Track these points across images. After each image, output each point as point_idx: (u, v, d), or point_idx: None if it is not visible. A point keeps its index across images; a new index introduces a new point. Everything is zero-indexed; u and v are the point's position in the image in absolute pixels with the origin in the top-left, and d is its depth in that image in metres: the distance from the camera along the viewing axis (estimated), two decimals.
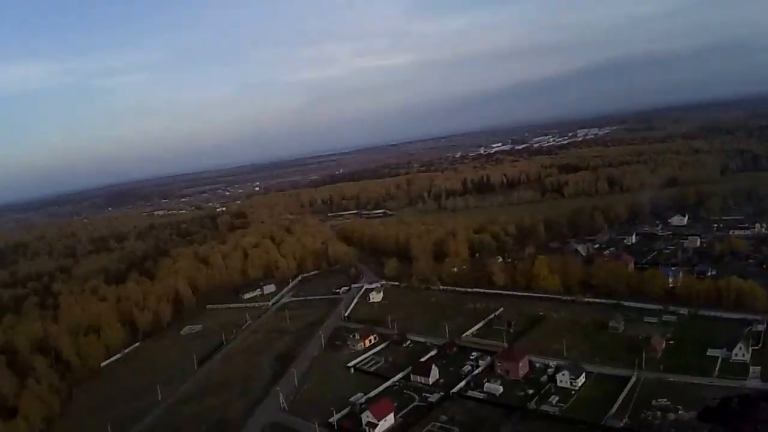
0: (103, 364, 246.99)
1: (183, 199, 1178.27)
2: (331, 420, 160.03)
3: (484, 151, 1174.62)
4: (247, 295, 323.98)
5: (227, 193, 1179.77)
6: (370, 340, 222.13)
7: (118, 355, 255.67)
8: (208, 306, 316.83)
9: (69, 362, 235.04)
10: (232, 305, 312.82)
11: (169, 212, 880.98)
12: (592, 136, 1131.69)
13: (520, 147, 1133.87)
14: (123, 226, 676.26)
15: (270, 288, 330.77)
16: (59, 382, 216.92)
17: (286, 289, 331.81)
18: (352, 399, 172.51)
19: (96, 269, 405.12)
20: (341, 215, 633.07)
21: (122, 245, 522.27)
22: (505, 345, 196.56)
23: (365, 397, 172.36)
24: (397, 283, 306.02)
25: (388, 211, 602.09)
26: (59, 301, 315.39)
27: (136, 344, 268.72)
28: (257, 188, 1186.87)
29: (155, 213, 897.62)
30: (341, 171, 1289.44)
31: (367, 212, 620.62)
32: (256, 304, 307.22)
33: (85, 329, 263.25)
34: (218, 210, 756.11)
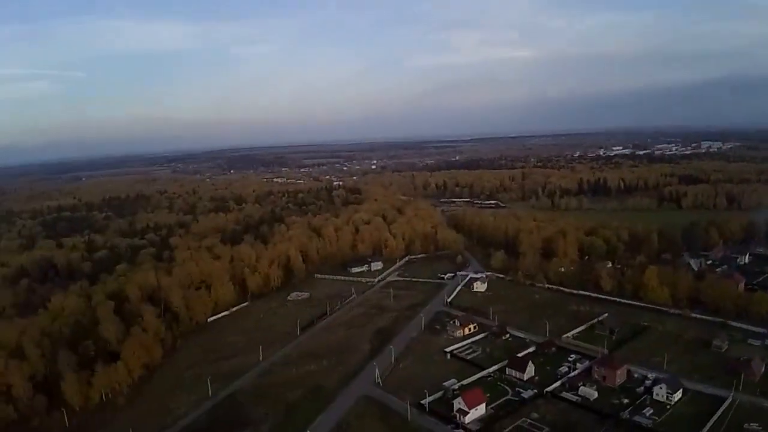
0: (210, 319, 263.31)
1: (302, 170, 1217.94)
2: (423, 401, 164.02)
3: (604, 153, 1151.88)
4: (354, 270, 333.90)
5: (345, 168, 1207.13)
6: (469, 329, 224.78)
7: (226, 312, 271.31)
8: (317, 275, 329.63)
9: (177, 314, 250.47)
10: (339, 277, 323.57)
11: (288, 181, 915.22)
12: (716, 150, 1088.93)
13: (640, 152, 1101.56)
14: (242, 190, 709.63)
15: (377, 265, 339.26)
16: (165, 332, 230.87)
17: (392, 268, 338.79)
18: (445, 384, 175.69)
19: (213, 228, 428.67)
20: (453, 202, 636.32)
21: (240, 207, 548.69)
22: (606, 351, 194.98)
23: (459, 384, 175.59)
24: (502, 275, 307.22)
25: (500, 203, 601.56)
26: (174, 255, 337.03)
27: (245, 304, 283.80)
28: (374, 166, 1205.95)
29: (274, 180, 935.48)
30: (458, 158, 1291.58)
31: (480, 202, 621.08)
32: (363, 279, 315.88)
33: (197, 284, 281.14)
34: (335, 184, 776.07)
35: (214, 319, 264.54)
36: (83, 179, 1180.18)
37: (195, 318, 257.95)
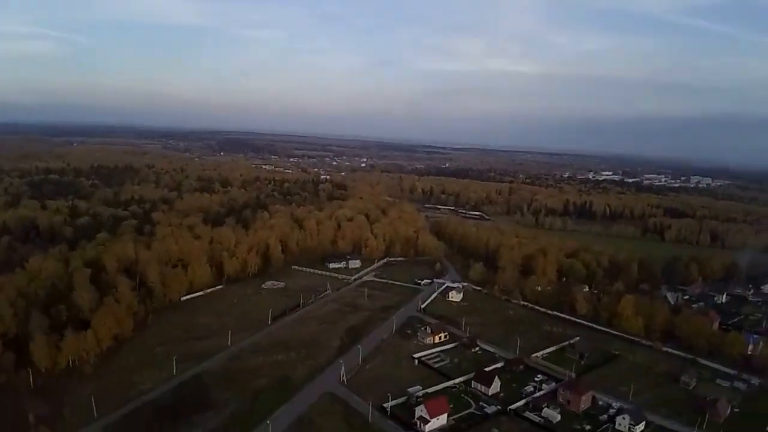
0: (184, 298, 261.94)
1: (291, 159, 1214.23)
2: (385, 405, 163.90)
3: (593, 177, 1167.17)
4: (332, 265, 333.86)
5: (334, 163, 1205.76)
6: (440, 337, 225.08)
7: (200, 293, 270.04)
8: (294, 266, 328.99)
9: (152, 290, 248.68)
10: (316, 271, 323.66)
11: (276, 169, 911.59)
12: (705, 186, 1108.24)
13: (630, 180, 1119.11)
14: (230, 173, 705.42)
15: (355, 263, 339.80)
16: (138, 306, 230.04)
17: (370, 268, 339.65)
18: (410, 390, 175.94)
19: (197, 208, 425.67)
20: (438, 208, 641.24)
21: (226, 190, 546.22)
22: (573, 375, 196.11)
23: (423, 392, 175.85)
24: (479, 288, 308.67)
25: (485, 215, 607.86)
26: (155, 230, 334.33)
27: (219, 287, 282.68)
28: (363, 164, 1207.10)
29: (263, 167, 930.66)
30: (447, 165, 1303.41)
31: (464, 212, 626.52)
32: (339, 276, 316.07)
33: (174, 262, 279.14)
34: (322, 177, 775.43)
35: (188, 299, 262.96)
36: (74, 144, 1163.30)
37: (169, 295, 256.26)
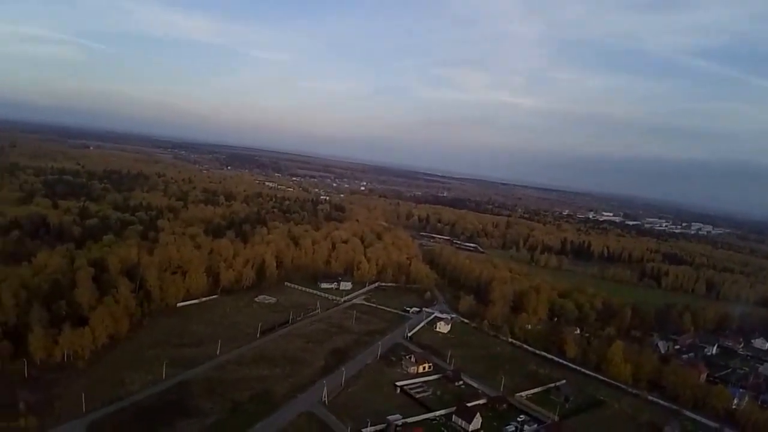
0: (180, 304, 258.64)
1: (294, 178, 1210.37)
2: (363, 430, 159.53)
3: (593, 216, 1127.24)
4: (323, 285, 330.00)
5: (334, 185, 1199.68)
6: (424, 367, 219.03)
7: (195, 301, 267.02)
8: (287, 283, 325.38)
9: (150, 293, 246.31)
10: (307, 289, 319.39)
11: (278, 186, 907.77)
12: (705, 233, 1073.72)
13: (630, 222, 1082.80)
14: (234, 187, 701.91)
15: (347, 285, 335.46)
16: (135, 308, 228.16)
17: (360, 291, 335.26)
18: (390, 417, 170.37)
19: (200, 218, 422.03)
20: (433, 237, 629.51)
21: (229, 204, 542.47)
22: (556, 418, 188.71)
23: (402, 421, 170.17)
24: (467, 321, 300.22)
25: (479, 248, 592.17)
26: (159, 237, 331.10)
27: (214, 296, 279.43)
28: (362, 188, 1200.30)
29: (266, 183, 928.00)
30: (445, 194, 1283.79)
31: (459, 242, 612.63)
32: (330, 296, 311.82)
33: (174, 268, 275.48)
34: (321, 197, 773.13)
35: (184, 305, 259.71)
36: (90, 148, 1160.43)
37: (166, 300, 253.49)
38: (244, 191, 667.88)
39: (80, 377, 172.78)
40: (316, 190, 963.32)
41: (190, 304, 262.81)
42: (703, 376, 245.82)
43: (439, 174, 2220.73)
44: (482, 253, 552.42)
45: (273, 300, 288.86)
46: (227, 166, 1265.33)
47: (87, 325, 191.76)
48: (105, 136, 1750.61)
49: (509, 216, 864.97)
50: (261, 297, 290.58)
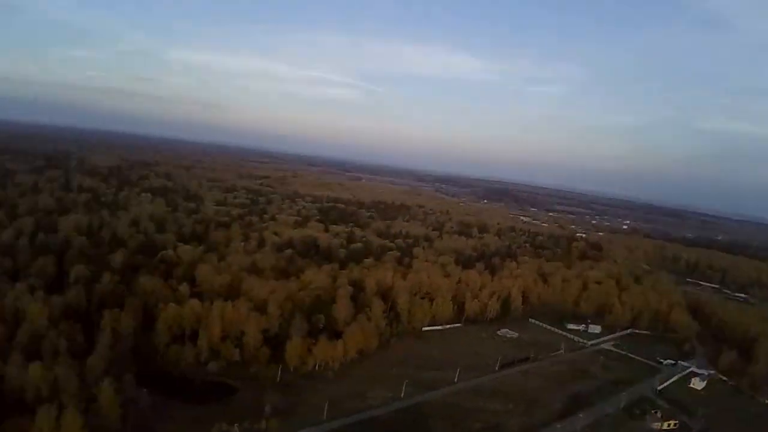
0: (425, 329, 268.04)
1: (550, 213, 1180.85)
2: None
3: None
4: (570, 326, 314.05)
5: (594, 222, 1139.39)
6: (669, 424, 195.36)
7: (440, 327, 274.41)
8: (531, 319, 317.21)
9: (399, 315, 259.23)
10: (552, 328, 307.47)
11: (533, 221, 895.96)
12: None
13: None
14: (488, 220, 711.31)
15: (595, 329, 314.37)
16: (385, 328, 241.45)
17: (610, 336, 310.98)
18: None
19: (452, 249, 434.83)
20: (700, 284, 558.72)
21: (481, 236, 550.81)
22: None
23: None
24: (726, 378, 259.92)
25: (750, 299, 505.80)
26: (413, 263, 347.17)
27: (458, 325, 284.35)
28: (625, 226, 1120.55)
29: (520, 217, 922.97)
30: (720, 237, 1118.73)
31: (728, 291, 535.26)
32: (575, 338, 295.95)
33: (423, 294, 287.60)
34: (577, 234, 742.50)
35: (428, 330, 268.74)
36: (363, 180, 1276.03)
37: (413, 323, 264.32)
38: (498, 224, 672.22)
39: (327, 387, 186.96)
40: (573, 226, 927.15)
41: (435, 330, 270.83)
42: None
43: (714, 214, 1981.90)
44: (751, 304, 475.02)
45: (515, 335, 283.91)
46: (484, 200, 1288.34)
47: (340, 338, 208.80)
48: (377, 170, 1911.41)
49: None
50: (503, 330, 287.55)
